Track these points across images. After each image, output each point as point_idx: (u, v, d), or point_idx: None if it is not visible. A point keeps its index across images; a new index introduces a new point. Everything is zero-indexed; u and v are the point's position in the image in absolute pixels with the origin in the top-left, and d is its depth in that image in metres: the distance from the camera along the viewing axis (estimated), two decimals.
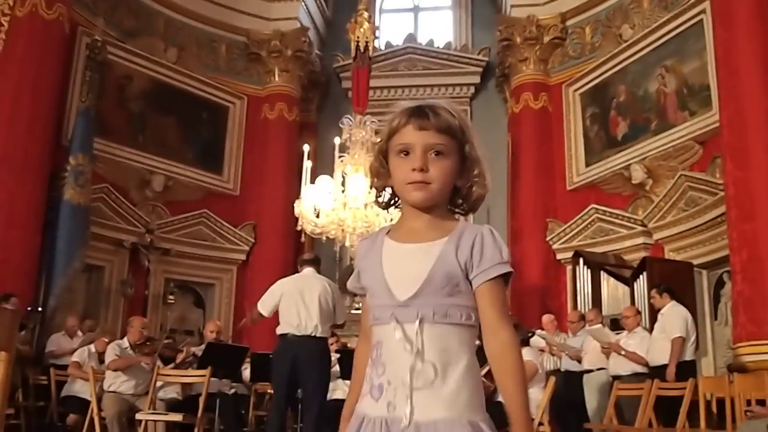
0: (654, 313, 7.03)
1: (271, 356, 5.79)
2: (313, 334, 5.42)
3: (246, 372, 7.10)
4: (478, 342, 1.50)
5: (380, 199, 1.58)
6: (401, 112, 1.50)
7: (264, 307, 5.61)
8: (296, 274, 5.92)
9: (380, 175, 1.54)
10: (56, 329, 7.97)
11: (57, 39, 8.78)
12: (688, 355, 6.34)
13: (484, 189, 1.54)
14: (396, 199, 1.55)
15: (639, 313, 7.14)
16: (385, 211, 1.63)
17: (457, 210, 1.56)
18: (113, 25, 10.11)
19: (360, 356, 1.63)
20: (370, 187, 1.70)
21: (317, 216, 7.93)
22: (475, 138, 1.53)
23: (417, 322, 1.42)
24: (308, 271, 5.76)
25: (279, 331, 5.54)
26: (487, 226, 1.53)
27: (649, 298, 7.15)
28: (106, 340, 6.83)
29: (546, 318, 8.09)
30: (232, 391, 6.85)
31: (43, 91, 8.50)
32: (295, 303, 5.46)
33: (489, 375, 5.37)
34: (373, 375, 1.46)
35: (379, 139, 1.56)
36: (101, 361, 6.69)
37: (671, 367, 6.14)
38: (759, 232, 6.23)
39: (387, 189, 1.56)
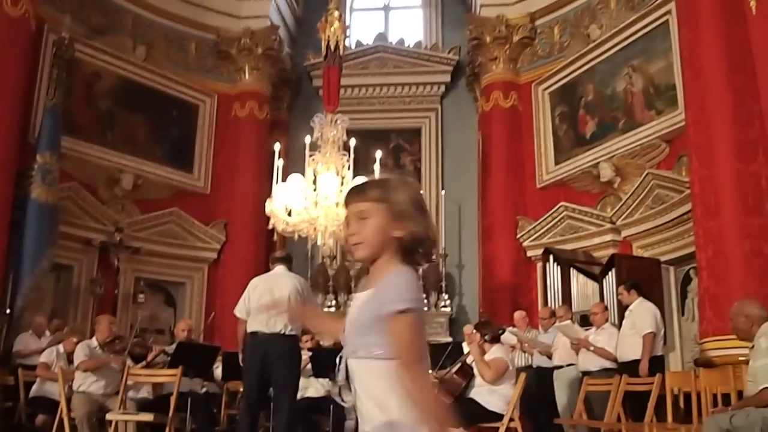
0: (622, 309, 7.12)
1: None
2: (282, 332, 5.42)
3: (218, 371, 7.06)
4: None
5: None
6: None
7: (240, 310, 5.61)
8: (267, 273, 5.91)
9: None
10: (24, 329, 7.87)
11: (23, 36, 8.64)
12: (657, 350, 6.44)
13: (422, 230, 1.74)
14: None
15: (607, 309, 7.24)
16: None
17: (418, 261, 1.78)
18: (80, 23, 9.98)
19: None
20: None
21: (289, 214, 7.92)
22: (403, 194, 1.76)
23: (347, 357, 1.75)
24: (279, 269, 5.76)
25: (249, 329, 5.53)
26: (403, 270, 1.73)
27: (617, 294, 7.24)
28: (75, 339, 6.75)
29: (518, 314, 8.17)
30: (204, 390, 6.82)
31: (9, 89, 8.36)
32: (265, 300, 5.46)
33: (459, 372, 5.42)
34: None
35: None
36: (70, 361, 6.61)
37: (644, 362, 6.22)
38: (724, 229, 6.34)
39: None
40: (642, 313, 6.52)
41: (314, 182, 7.92)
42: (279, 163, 8.17)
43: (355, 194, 1.79)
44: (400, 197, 1.75)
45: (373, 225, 1.73)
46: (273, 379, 5.42)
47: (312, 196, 7.81)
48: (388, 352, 1.63)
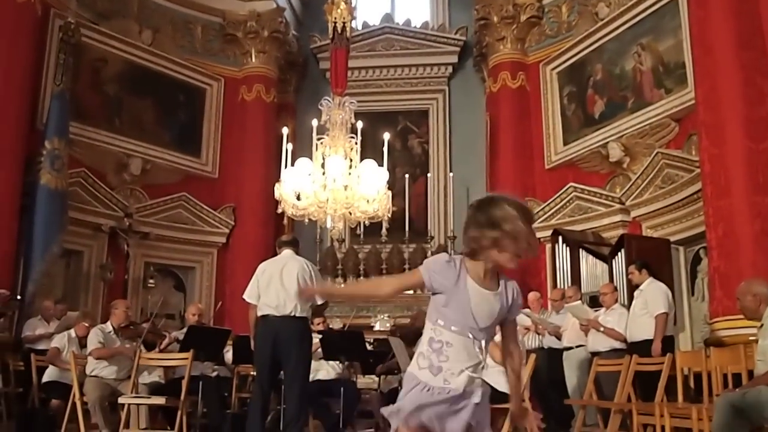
0: (632, 289, 7.11)
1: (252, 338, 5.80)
2: (292, 314, 5.45)
3: (228, 354, 7.10)
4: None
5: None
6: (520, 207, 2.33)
7: (250, 296, 5.63)
8: (275, 257, 5.92)
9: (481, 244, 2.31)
10: (35, 315, 7.92)
11: (29, 22, 8.64)
12: (667, 330, 6.43)
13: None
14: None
15: (616, 290, 7.23)
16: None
17: None
18: (86, 7, 9.96)
19: (383, 283, 2.73)
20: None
21: (298, 198, 7.92)
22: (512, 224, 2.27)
23: (483, 341, 2.30)
24: (287, 252, 5.77)
25: (259, 312, 5.56)
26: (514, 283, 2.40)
27: (628, 274, 7.22)
28: (86, 324, 6.80)
29: (532, 296, 8.12)
30: (215, 373, 6.85)
31: (17, 75, 8.38)
32: (274, 284, 5.49)
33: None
34: (434, 359, 2.23)
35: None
36: (82, 345, 6.66)
37: (657, 342, 6.21)
38: (734, 208, 6.31)
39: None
40: (654, 293, 6.50)
41: (322, 166, 7.90)
42: (288, 147, 8.16)
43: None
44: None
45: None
46: (284, 362, 5.45)
47: (320, 180, 7.79)
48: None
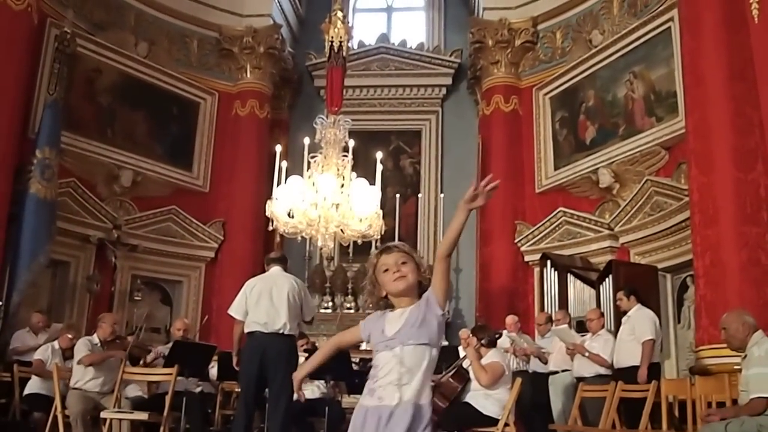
0: (619, 315, 7.12)
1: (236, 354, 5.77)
2: (281, 332, 5.43)
3: (213, 370, 7.05)
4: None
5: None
6: (377, 253, 2.55)
7: (236, 311, 5.61)
8: (263, 274, 5.91)
9: (373, 293, 2.53)
10: (19, 325, 7.85)
11: (25, 30, 8.63)
12: (654, 357, 6.44)
13: (427, 280, 2.48)
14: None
15: (603, 315, 7.23)
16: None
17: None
18: (83, 18, 9.97)
19: (336, 339, 2.83)
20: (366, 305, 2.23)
21: (290, 216, 7.92)
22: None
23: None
24: (275, 269, 5.77)
25: (247, 329, 5.53)
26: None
27: (615, 300, 7.24)
28: (70, 336, 6.74)
29: (509, 319, 8.10)
30: (199, 389, 6.81)
31: (10, 83, 8.35)
32: (263, 301, 5.47)
33: (456, 375, 5.40)
34: (370, 383, 2.40)
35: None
36: (65, 357, 6.60)
37: (643, 369, 6.21)
38: (722, 237, 6.34)
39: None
40: (641, 319, 6.52)
41: (314, 184, 7.91)
42: (283, 164, 8.17)
43: (393, 248, 2.51)
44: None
45: (412, 269, 2.46)
46: (270, 379, 5.42)
47: (311, 198, 7.80)
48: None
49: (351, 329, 2.71)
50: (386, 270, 2.46)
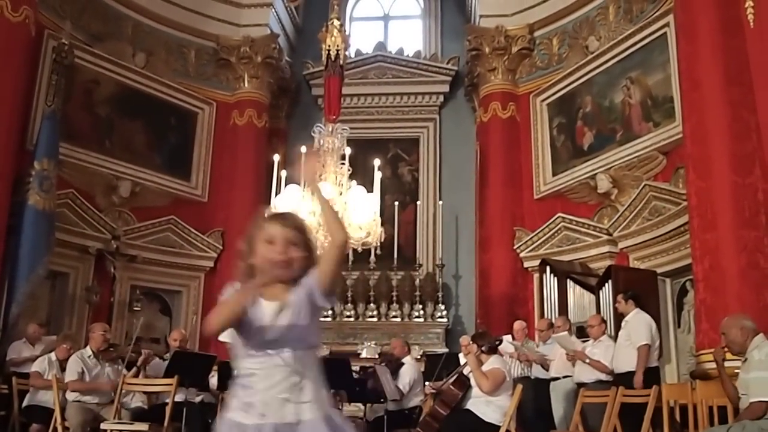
0: (619, 320, 7.11)
1: None
2: None
3: (213, 380, 7.04)
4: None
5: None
6: (261, 218, 2.10)
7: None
8: None
9: (244, 259, 2.08)
10: (19, 337, 7.83)
11: (23, 42, 8.65)
12: (652, 362, 6.43)
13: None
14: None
15: (604, 321, 7.23)
16: None
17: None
18: (80, 29, 10.00)
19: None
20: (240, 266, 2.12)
21: None
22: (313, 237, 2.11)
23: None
24: None
25: None
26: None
27: (615, 303, 7.24)
28: (67, 346, 6.71)
29: (517, 325, 8.11)
30: (199, 399, 6.79)
31: (8, 95, 8.36)
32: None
33: (456, 383, 5.41)
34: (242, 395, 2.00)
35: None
36: (63, 368, 6.58)
37: (638, 375, 6.21)
38: (720, 241, 6.35)
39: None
40: (637, 324, 6.52)
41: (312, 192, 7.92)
42: (282, 173, 8.18)
43: (289, 220, 2.07)
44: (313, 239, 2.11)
45: (299, 254, 2.03)
46: None
47: (309, 207, 7.80)
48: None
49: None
50: (270, 242, 2.02)
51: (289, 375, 1.94)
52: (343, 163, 8.15)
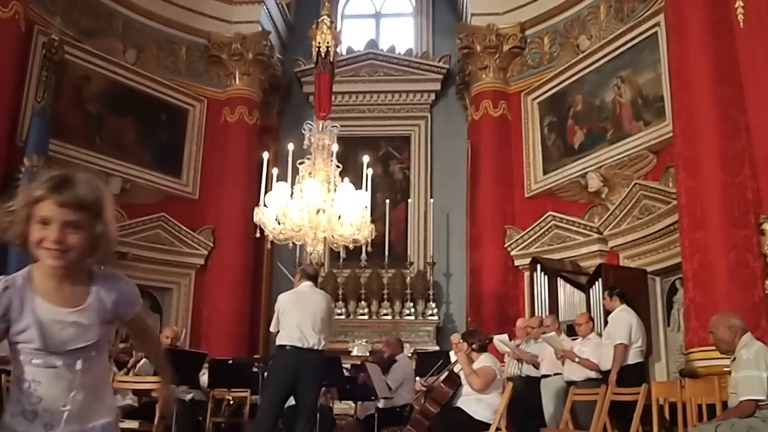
0: (608, 317, 7.14)
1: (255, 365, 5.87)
2: (316, 347, 5.53)
3: (204, 378, 7.03)
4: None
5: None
6: (42, 184, 1.74)
7: (274, 326, 5.76)
8: (296, 289, 5.90)
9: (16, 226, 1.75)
10: None
11: (12, 37, 8.60)
12: (632, 359, 6.45)
13: (112, 250, 1.84)
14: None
15: (591, 319, 7.25)
16: None
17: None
18: (71, 25, 9.94)
19: None
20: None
21: (278, 223, 7.92)
22: (109, 209, 1.81)
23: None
24: (308, 285, 5.83)
25: (280, 341, 5.58)
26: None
27: (603, 300, 7.29)
28: None
29: (520, 322, 8.10)
30: (189, 396, 6.78)
31: None
32: (297, 317, 5.57)
33: (447, 380, 5.42)
34: (26, 402, 1.76)
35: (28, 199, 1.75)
36: None
37: (612, 373, 6.28)
38: (710, 240, 6.38)
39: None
40: (616, 322, 6.57)
41: (301, 190, 7.92)
42: (273, 171, 8.18)
43: (69, 194, 1.72)
44: (110, 211, 1.83)
45: (81, 239, 1.73)
46: (302, 393, 5.55)
47: (299, 204, 7.80)
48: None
49: None
50: (44, 223, 1.71)
51: (80, 389, 1.76)
52: (332, 161, 8.15)
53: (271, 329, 5.83)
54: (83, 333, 1.76)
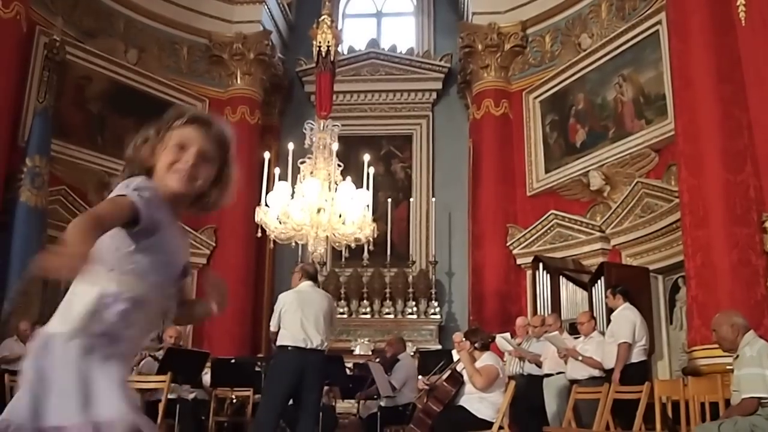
0: (611, 315, 7.14)
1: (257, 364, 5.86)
2: (318, 348, 5.53)
3: (206, 377, 7.04)
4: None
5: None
6: (183, 113, 1.75)
7: (274, 325, 5.74)
8: (297, 288, 5.88)
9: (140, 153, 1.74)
10: (11, 335, 7.80)
11: (14, 38, 8.61)
12: (636, 358, 6.44)
13: (224, 199, 1.87)
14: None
15: (593, 318, 7.25)
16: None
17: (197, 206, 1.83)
18: (72, 25, 9.95)
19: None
20: (128, 160, 1.85)
21: (280, 222, 7.92)
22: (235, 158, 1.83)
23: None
24: (308, 284, 5.80)
25: (282, 342, 5.56)
26: None
27: (606, 299, 7.29)
28: None
29: (520, 320, 8.11)
30: (192, 396, 6.79)
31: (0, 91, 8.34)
32: (300, 317, 5.56)
33: (449, 379, 5.41)
34: (117, 326, 1.58)
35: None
36: None
37: (616, 372, 6.26)
38: (712, 238, 6.38)
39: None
40: (620, 321, 6.55)
41: (302, 189, 7.93)
42: (275, 171, 8.19)
43: (214, 128, 1.75)
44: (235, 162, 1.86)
45: (208, 172, 1.76)
46: (306, 393, 5.54)
47: (299, 204, 7.81)
48: None
49: (111, 208, 1.56)
50: (180, 147, 1.70)
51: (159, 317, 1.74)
52: (338, 164, 8.15)
53: (272, 328, 5.78)
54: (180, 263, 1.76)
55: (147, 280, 1.60)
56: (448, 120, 12.27)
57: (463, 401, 5.70)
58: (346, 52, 12.07)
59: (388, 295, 10.95)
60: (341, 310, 10.77)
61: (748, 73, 6.42)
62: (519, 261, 10.51)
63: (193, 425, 6.33)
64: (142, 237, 1.59)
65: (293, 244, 8.27)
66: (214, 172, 1.76)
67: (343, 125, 8.79)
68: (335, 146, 8.18)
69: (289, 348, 5.53)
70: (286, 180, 8.05)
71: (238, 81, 11.59)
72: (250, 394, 7.23)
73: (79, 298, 1.56)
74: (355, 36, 12.97)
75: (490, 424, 5.53)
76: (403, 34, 13.07)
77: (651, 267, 8.54)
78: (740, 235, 6.24)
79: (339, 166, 8.16)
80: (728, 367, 5.10)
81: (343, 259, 10.41)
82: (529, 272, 10.12)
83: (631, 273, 8.44)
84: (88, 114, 10.16)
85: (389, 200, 11.03)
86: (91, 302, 1.54)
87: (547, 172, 10.56)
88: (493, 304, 10.23)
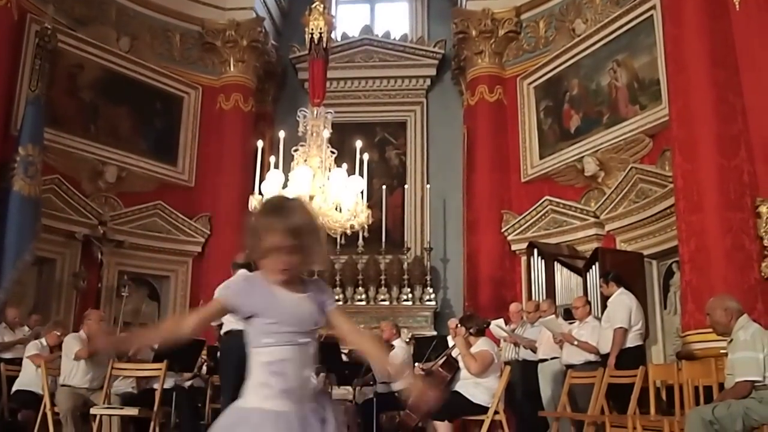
0: (605, 302, 7.17)
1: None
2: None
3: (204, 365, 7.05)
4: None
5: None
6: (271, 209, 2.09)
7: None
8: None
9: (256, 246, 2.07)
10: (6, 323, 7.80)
11: (5, 26, 8.56)
12: (632, 342, 6.47)
13: (321, 261, 2.21)
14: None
15: (588, 303, 7.27)
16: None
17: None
18: (64, 13, 9.89)
19: (183, 321, 2.19)
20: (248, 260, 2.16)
21: None
22: (320, 230, 2.17)
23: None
24: (243, 273, 5.78)
25: (226, 328, 5.54)
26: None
27: (600, 287, 7.31)
28: (58, 333, 6.69)
29: (513, 307, 8.13)
30: (188, 383, 6.80)
31: None
32: None
33: (445, 365, 5.44)
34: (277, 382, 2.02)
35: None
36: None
37: (611, 357, 6.30)
38: (706, 223, 6.39)
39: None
40: (616, 306, 6.58)
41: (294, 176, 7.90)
42: (270, 159, 8.16)
43: (293, 222, 2.02)
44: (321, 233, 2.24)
45: (298, 261, 2.07)
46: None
47: (291, 191, 7.78)
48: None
49: (204, 308, 2.23)
50: (270, 249, 2.03)
51: (306, 366, 2.08)
52: (329, 147, 8.12)
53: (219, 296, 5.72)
54: (312, 315, 2.09)
55: (264, 341, 2.04)
56: (442, 106, 12.25)
57: (459, 386, 5.74)
58: (339, 39, 12.03)
59: (383, 281, 10.96)
60: (336, 297, 10.78)
61: (742, 58, 6.42)
62: (514, 247, 10.53)
63: (189, 412, 6.34)
64: (255, 319, 2.06)
65: None
66: (302, 254, 2.04)
67: (336, 112, 8.76)
68: (326, 133, 8.15)
69: (231, 331, 5.47)
70: (276, 169, 8.02)
71: (231, 68, 11.54)
72: None
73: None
74: (348, 22, 12.91)
75: (485, 409, 5.57)
76: (396, 21, 13.02)
77: (645, 252, 8.56)
78: (734, 220, 6.27)
79: (332, 153, 8.13)
80: (722, 351, 5.13)
81: (338, 246, 10.43)
82: (523, 258, 10.14)
83: (625, 258, 8.47)
84: (81, 102, 10.11)
85: (384, 187, 11.02)
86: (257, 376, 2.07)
87: (541, 158, 10.57)
88: (487, 290, 10.26)
